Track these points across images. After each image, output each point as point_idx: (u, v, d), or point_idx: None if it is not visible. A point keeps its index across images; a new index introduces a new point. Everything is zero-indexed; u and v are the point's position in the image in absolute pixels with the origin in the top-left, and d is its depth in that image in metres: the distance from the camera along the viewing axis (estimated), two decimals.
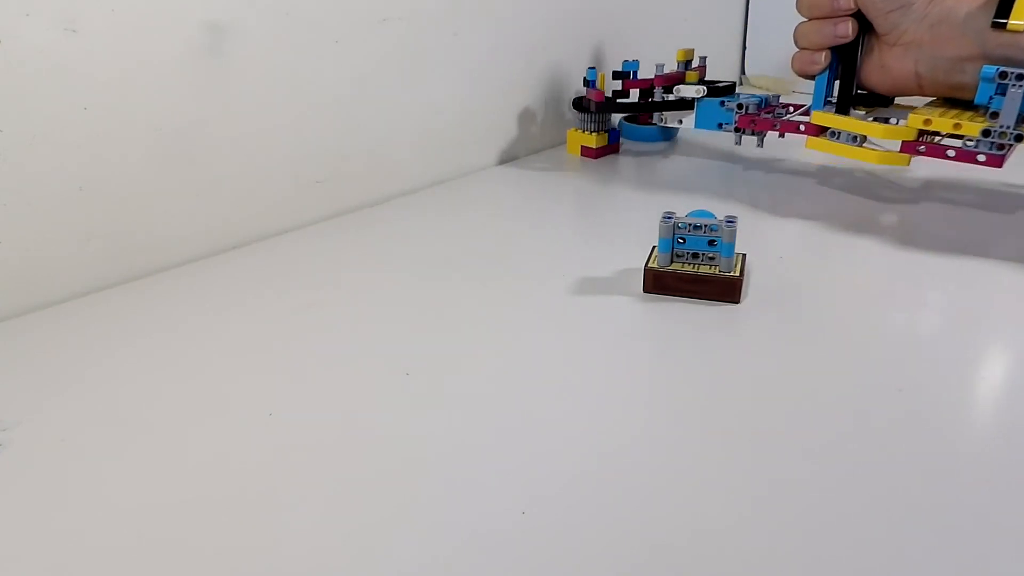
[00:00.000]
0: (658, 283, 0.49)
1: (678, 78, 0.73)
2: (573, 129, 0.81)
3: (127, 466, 0.35)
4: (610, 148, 0.80)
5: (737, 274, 0.48)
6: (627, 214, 0.64)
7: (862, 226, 0.60)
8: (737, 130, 0.70)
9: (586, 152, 0.80)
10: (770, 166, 0.76)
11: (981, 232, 0.59)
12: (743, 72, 1.10)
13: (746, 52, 1.09)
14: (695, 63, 0.76)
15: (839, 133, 0.62)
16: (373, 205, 0.69)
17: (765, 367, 0.41)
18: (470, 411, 0.38)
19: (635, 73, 0.75)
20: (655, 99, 0.74)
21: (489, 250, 0.58)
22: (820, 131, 0.64)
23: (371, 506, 0.32)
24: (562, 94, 0.84)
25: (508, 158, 0.80)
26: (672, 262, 0.49)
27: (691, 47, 0.77)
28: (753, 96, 0.71)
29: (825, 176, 0.73)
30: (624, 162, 0.78)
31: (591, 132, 0.79)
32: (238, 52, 0.56)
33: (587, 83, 0.76)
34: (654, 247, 0.51)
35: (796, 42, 0.63)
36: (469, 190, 0.72)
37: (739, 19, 1.10)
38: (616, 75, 0.75)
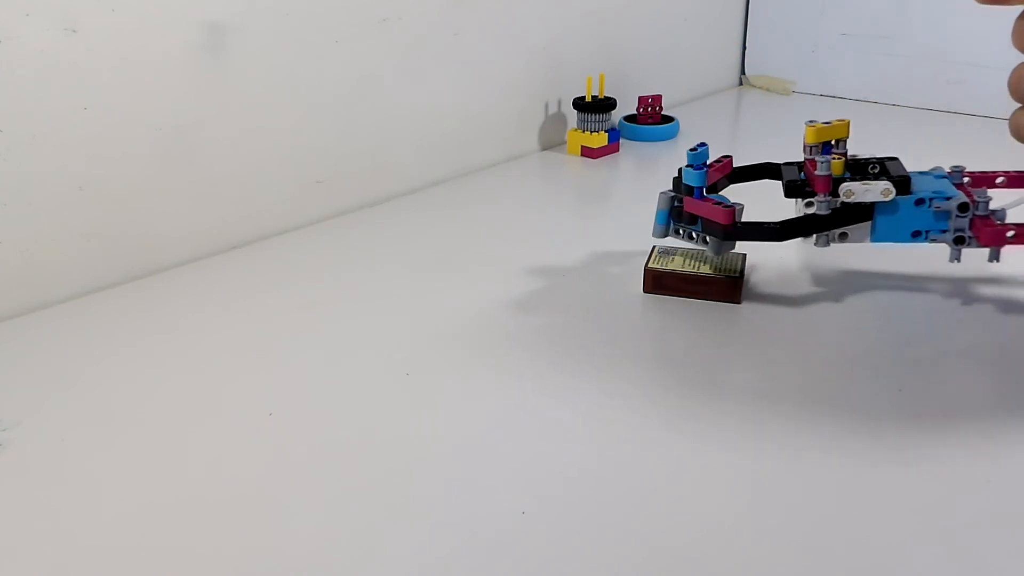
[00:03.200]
0: (658, 283, 0.49)
1: (830, 181, 0.44)
2: (573, 129, 0.81)
3: (127, 466, 0.35)
4: (610, 148, 0.80)
5: (737, 274, 0.47)
6: (627, 214, 0.64)
7: None
8: (961, 243, 0.44)
9: (586, 152, 0.79)
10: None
11: None
12: (743, 72, 1.10)
13: (746, 52, 1.09)
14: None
15: None
16: (373, 205, 0.68)
17: (765, 367, 0.41)
18: (470, 411, 0.38)
19: (706, 164, 0.48)
20: (819, 212, 0.45)
21: (489, 250, 0.58)
22: None
23: (371, 506, 0.32)
24: (562, 94, 0.84)
25: (508, 158, 0.80)
26: (667, 235, 0.49)
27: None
28: (937, 176, 0.47)
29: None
30: (624, 162, 0.78)
31: (591, 132, 0.79)
32: (238, 52, 0.56)
33: (687, 191, 0.48)
34: (654, 247, 0.51)
35: None
36: (469, 190, 0.72)
37: (739, 19, 1.09)
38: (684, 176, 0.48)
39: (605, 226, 0.62)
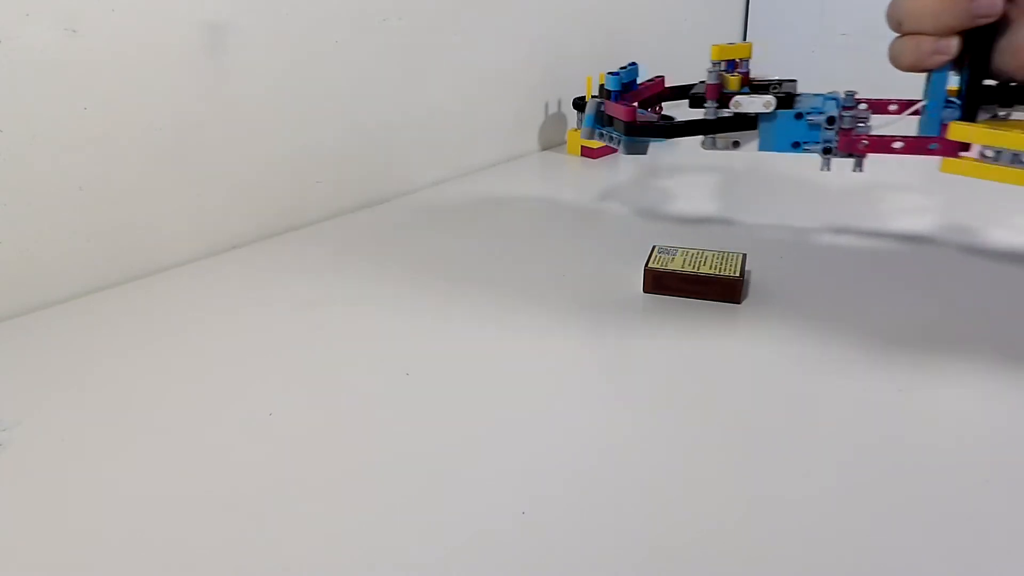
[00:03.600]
0: (658, 283, 0.49)
1: (718, 89, 0.53)
2: (573, 129, 0.81)
3: (127, 465, 0.35)
4: (610, 148, 0.80)
5: (737, 274, 0.48)
6: (627, 214, 0.64)
7: (861, 226, 0.60)
8: (831, 153, 0.51)
9: (586, 152, 0.80)
10: (771, 162, 0.76)
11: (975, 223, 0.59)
12: None
13: None
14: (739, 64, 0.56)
15: (999, 152, 0.44)
16: (373, 205, 0.68)
17: (765, 367, 0.41)
18: (469, 411, 0.38)
19: (635, 83, 0.59)
20: (708, 119, 0.53)
21: (489, 250, 0.58)
22: (960, 148, 0.47)
23: (371, 506, 0.32)
24: (562, 94, 0.84)
25: (508, 158, 0.80)
26: (592, 136, 0.54)
27: (735, 41, 0.57)
28: (828, 98, 0.52)
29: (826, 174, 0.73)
30: (624, 162, 0.78)
31: None
32: (238, 52, 0.56)
33: (607, 94, 0.57)
34: (654, 247, 0.51)
35: (900, 25, 0.44)
36: (469, 190, 0.72)
37: (739, 19, 1.10)
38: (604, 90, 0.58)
39: (605, 226, 0.62)
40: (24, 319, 0.48)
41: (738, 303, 0.48)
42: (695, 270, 0.48)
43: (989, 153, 0.45)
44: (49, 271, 0.50)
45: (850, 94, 0.52)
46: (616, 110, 0.54)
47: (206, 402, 0.39)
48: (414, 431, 0.37)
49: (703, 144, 0.53)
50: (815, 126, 0.51)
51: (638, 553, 0.30)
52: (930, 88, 0.47)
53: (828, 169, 0.52)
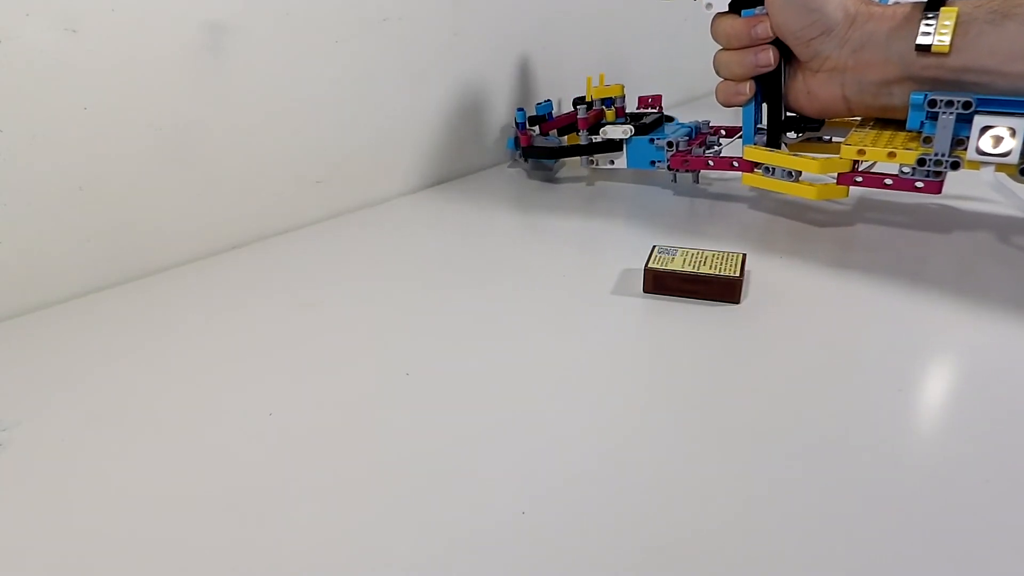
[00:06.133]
0: (658, 283, 0.49)
1: (598, 116, 0.68)
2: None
3: (127, 465, 0.35)
4: None
5: (737, 274, 0.48)
6: (627, 214, 0.64)
7: (861, 225, 0.60)
8: (671, 169, 0.65)
9: None
10: None
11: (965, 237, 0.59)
12: None
13: None
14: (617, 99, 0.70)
15: (773, 169, 0.58)
16: (373, 205, 0.69)
17: (765, 367, 0.41)
18: (470, 411, 0.38)
19: (551, 115, 0.73)
20: (582, 143, 0.68)
21: (489, 250, 0.58)
22: (754, 166, 0.59)
23: (371, 506, 0.32)
24: (562, 94, 0.84)
25: (508, 158, 0.80)
26: (514, 158, 0.64)
27: (619, 82, 0.70)
28: (682, 127, 0.67)
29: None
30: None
31: None
32: (238, 52, 0.56)
33: (517, 125, 0.73)
34: (654, 247, 0.51)
35: (717, 72, 0.59)
36: (469, 190, 0.72)
37: None
38: (532, 120, 0.73)
39: (605, 226, 0.62)
40: (24, 319, 0.48)
41: (738, 303, 0.48)
42: (695, 270, 0.48)
43: (768, 169, 0.59)
44: (49, 271, 0.50)
45: (705, 122, 0.68)
46: (522, 137, 0.72)
47: (206, 402, 0.39)
48: (414, 431, 0.37)
49: (582, 163, 0.69)
50: (662, 148, 0.65)
51: (638, 553, 0.30)
52: (743, 119, 0.60)
53: (675, 181, 0.68)
